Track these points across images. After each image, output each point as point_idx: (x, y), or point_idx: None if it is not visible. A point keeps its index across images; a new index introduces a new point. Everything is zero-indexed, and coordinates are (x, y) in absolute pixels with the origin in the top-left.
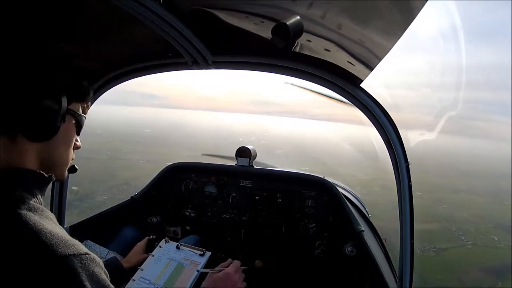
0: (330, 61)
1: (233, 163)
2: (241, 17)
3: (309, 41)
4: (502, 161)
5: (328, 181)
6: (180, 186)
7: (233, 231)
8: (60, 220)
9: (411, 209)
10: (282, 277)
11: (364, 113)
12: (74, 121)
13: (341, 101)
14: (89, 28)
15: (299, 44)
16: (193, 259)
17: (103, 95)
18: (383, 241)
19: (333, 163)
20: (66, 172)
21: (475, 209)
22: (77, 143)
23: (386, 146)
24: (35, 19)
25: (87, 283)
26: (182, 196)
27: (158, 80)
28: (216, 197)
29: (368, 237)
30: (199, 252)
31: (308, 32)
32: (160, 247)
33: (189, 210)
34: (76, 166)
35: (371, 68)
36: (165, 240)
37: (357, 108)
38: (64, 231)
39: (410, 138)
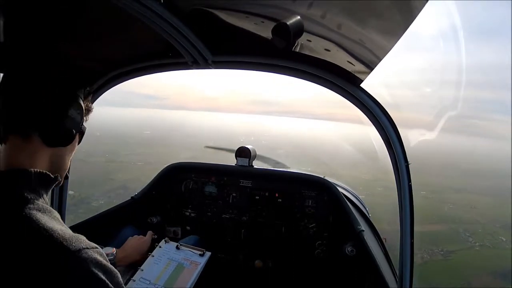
0: (330, 61)
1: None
2: (242, 17)
3: (309, 41)
4: (503, 160)
5: (328, 181)
6: (180, 186)
7: (233, 231)
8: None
9: (411, 209)
10: (282, 277)
11: (364, 113)
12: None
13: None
14: (90, 28)
15: (299, 44)
16: (193, 259)
17: (102, 95)
18: (383, 241)
19: (334, 163)
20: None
21: (481, 209)
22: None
23: (386, 146)
24: (35, 19)
25: (101, 275)
26: (182, 196)
27: (157, 80)
28: (216, 197)
29: (368, 237)
30: (199, 252)
31: (309, 32)
32: (160, 247)
33: (189, 210)
34: (68, 174)
35: (371, 68)
36: (165, 241)
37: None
38: (70, 230)
39: (410, 137)
